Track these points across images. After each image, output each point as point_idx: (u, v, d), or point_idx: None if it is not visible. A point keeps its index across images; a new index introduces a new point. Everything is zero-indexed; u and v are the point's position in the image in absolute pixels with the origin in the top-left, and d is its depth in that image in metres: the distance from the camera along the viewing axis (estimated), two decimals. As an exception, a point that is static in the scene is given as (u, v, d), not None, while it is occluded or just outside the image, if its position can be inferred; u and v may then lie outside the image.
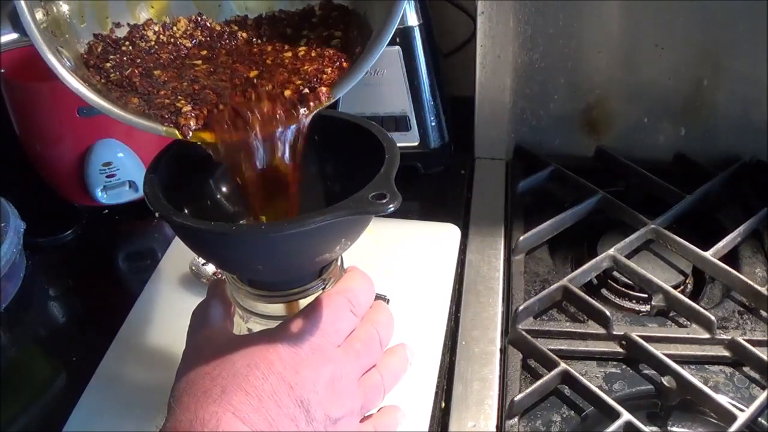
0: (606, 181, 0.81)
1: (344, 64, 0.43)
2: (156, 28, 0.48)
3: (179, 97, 0.43)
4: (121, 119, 0.42)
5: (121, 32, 0.48)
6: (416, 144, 0.85)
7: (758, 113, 0.81)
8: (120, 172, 0.78)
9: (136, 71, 0.45)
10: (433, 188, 0.86)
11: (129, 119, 0.42)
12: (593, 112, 0.85)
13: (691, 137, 0.84)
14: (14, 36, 0.41)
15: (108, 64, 0.45)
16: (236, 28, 0.49)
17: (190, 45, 0.48)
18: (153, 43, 0.48)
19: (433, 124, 0.84)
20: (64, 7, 0.45)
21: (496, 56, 0.82)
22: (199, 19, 0.49)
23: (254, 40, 0.49)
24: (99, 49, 0.46)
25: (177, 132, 0.41)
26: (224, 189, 0.50)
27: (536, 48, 0.81)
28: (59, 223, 0.82)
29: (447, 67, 0.90)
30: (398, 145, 0.45)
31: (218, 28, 0.49)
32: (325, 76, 0.43)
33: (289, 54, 0.46)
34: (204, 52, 0.48)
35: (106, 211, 0.83)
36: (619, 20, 0.79)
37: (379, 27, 0.42)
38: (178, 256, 0.74)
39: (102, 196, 0.80)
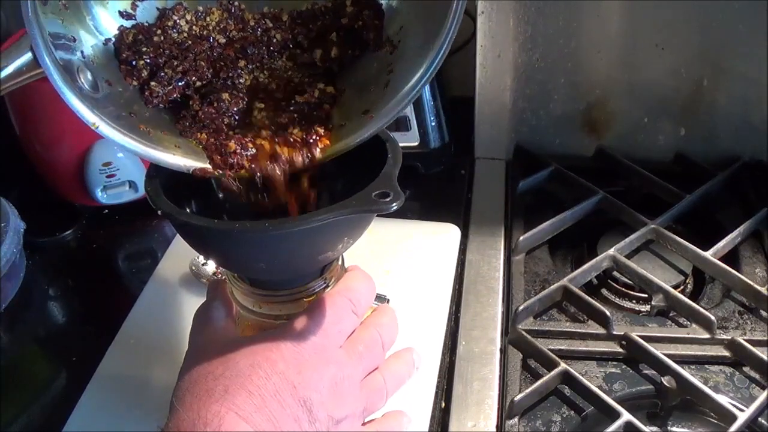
0: (606, 181, 0.81)
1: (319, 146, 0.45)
2: (188, 17, 0.47)
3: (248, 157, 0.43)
4: (142, 154, 0.42)
5: (143, 8, 0.47)
6: (416, 144, 0.85)
7: (758, 113, 0.81)
8: (120, 172, 0.78)
9: (176, 93, 0.45)
10: (433, 188, 0.86)
11: (152, 155, 0.42)
12: (593, 112, 0.85)
13: (691, 137, 0.85)
14: (21, 64, 0.39)
15: (141, 62, 0.44)
16: (270, 24, 0.48)
17: (223, 41, 0.47)
18: (186, 35, 0.46)
19: (433, 124, 0.84)
20: None
21: (496, 56, 0.82)
22: (233, 8, 0.48)
23: (283, 61, 0.48)
24: (130, 39, 0.45)
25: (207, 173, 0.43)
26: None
27: (536, 48, 0.81)
28: (59, 223, 0.82)
29: (447, 67, 0.90)
30: (398, 145, 0.45)
31: (252, 22, 0.48)
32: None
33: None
34: (242, 63, 0.47)
35: (106, 211, 0.83)
36: (619, 20, 0.79)
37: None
38: (178, 256, 0.73)
39: (102, 196, 0.80)
